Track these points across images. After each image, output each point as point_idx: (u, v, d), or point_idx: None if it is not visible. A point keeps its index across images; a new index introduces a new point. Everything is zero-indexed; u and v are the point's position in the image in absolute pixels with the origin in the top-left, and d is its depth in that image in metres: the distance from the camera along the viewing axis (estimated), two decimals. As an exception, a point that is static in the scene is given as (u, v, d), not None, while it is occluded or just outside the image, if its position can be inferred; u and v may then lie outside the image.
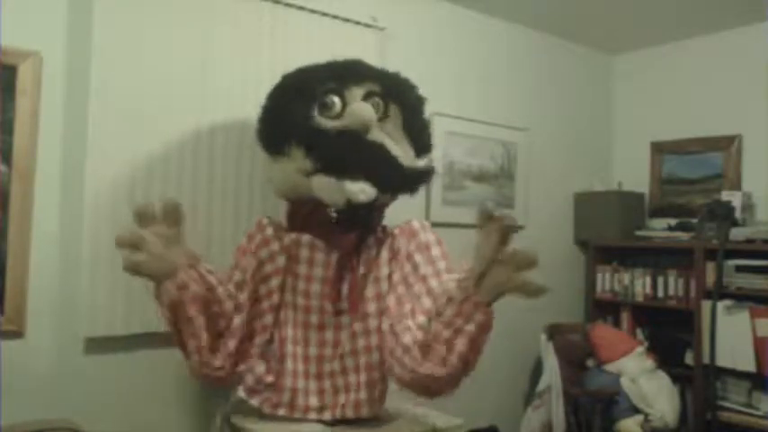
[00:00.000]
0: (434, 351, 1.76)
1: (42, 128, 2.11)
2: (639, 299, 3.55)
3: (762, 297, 3.02)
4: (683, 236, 3.43)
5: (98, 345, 2.19)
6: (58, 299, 2.14)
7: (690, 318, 3.26)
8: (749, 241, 3.09)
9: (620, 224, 3.64)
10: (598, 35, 3.75)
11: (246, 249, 2.07)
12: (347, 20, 2.73)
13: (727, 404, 3.13)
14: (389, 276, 2.04)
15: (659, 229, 3.63)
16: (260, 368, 2.01)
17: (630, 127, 4.01)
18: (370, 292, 2.03)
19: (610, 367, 3.28)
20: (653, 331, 3.57)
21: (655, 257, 3.56)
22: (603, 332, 3.47)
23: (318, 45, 2.58)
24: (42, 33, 2.11)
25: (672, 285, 3.41)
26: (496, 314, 1.72)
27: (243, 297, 1.99)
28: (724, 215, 3.19)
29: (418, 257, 2.05)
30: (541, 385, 3.28)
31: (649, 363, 3.27)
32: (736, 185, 3.46)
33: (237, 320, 1.96)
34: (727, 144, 3.52)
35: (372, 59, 2.42)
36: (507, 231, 1.60)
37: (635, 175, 3.89)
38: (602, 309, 3.74)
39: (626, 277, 3.62)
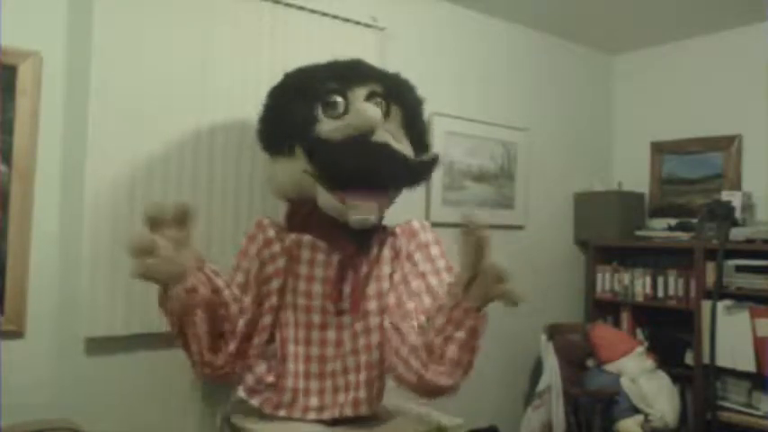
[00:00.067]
0: (434, 356, 1.77)
1: (42, 128, 2.10)
2: (639, 299, 3.55)
3: (762, 297, 3.02)
4: (683, 236, 3.44)
5: (98, 345, 2.19)
6: (59, 299, 2.14)
7: (690, 318, 3.26)
8: (749, 241, 3.09)
9: (620, 224, 3.64)
10: (598, 35, 3.75)
11: (247, 250, 2.07)
12: (347, 20, 2.73)
13: (727, 404, 3.13)
14: (391, 275, 2.05)
15: (659, 229, 3.63)
16: (260, 368, 2.01)
17: (630, 127, 4.01)
18: (371, 289, 2.03)
19: (610, 367, 3.28)
20: (653, 331, 3.57)
21: (655, 257, 3.57)
22: (603, 332, 3.46)
23: (318, 45, 2.58)
24: (42, 33, 2.11)
25: (672, 285, 3.41)
26: (496, 314, 1.73)
27: (247, 300, 1.99)
28: (724, 215, 3.19)
29: (418, 256, 2.10)
30: (541, 385, 3.28)
31: (649, 363, 3.28)
32: (736, 185, 3.47)
33: (241, 323, 1.96)
34: (727, 144, 3.52)
35: (372, 59, 2.42)
36: (481, 244, 1.64)
37: (635, 175, 3.89)
38: (602, 309, 3.74)
39: (626, 277, 3.61)
